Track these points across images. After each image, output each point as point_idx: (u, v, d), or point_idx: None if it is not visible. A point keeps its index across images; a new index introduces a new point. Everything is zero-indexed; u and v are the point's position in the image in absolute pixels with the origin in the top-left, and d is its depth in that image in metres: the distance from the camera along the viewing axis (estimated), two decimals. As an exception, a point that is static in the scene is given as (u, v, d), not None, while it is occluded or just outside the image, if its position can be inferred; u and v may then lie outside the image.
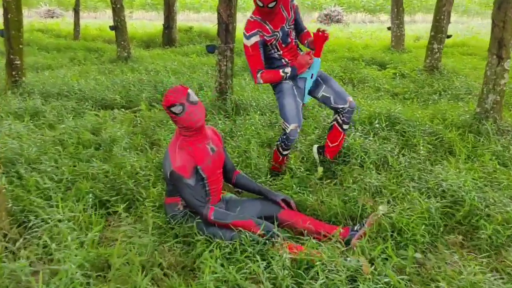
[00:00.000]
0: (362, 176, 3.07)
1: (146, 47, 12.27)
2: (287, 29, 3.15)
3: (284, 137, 3.13)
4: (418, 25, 20.56)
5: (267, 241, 2.24)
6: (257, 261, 2.07)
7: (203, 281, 1.96)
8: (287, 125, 3.08)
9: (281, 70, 3.08)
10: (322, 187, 3.04)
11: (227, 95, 4.90)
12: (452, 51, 10.04)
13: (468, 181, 2.85)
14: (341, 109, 3.20)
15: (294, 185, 2.96)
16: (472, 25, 16.50)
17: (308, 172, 3.21)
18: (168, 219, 2.49)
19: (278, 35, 3.11)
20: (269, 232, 2.28)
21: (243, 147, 3.56)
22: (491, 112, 4.23)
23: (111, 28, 8.85)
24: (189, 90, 2.37)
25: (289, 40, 3.19)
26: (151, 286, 1.99)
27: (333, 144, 3.34)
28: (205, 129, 2.50)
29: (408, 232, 2.41)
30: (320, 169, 3.18)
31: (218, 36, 4.89)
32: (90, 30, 14.52)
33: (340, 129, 3.28)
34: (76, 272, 1.89)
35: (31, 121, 4.30)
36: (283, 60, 3.20)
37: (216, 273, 2.00)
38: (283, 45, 3.16)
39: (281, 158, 3.28)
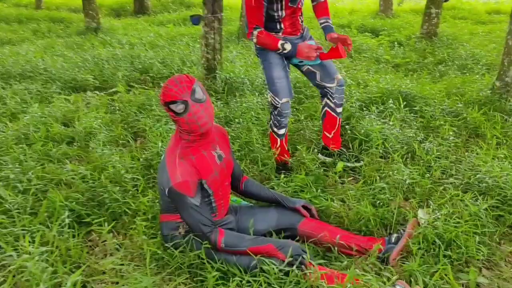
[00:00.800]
0: (387, 172, 2.62)
1: (117, 15, 11.37)
2: None
3: (276, 112, 2.75)
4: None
5: (296, 270, 1.78)
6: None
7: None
8: (277, 100, 2.70)
9: (280, 43, 2.58)
10: (344, 187, 2.58)
11: (216, 73, 4.32)
12: (444, 14, 9.57)
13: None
14: (328, 89, 2.81)
15: (311, 185, 2.48)
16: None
17: (325, 168, 2.74)
18: (164, 241, 1.99)
19: None
20: (298, 257, 1.81)
21: (244, 138, 3.05)
22: (514, 86, 3.82)
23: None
24: (196, 84, 1.81)
25: (297, 1, 2.66)
26: None
27: (333, 132, 2.94)
28: (212, 133, 1.96)
29: (461, 245, 1.98)
30: (341, 164, 2.71)
31: (204, 5, 4.26)
32: (54, -2, 13.36)
33: (334, 114, 2.89)
34: None
35: (-11, 110, 3.66)
36: (278, 25, 2.70)
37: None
38: (291, 5, 2.65)
39: (279, 141, 2.82)
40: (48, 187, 2.49)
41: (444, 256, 1.95)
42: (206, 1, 4.22)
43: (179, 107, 1.74)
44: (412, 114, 3.45)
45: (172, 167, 1.79)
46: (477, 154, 2.84)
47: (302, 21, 2.81)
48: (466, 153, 2.95)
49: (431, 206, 2.29)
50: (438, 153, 2.83)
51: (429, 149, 2.87)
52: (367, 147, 2.99)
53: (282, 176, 2.60)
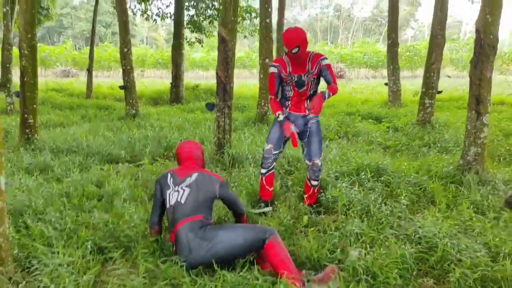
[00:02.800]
0: (344, 224, 3.27)
1: (155, 104, 12.86)
2: (304, 79, 3.63)
3: (262, 154, 3.80)
4: (419, 80, 21.16)
5: None
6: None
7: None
8: (266, 144, 3.77)
9: (277, 112, 3.67)
10: (306, 234, 3.24)
11: (224, 149, 5.21)
12: (448, 105, 10.41)
13: (443, 228, 3.04)
14: (307, 164, 3.76)
15: (281, 233, 3.15)
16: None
17: (295, 220, 3.42)
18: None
19: (293, 79, 3.64)
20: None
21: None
22: (474, 163, 4.45)
23: (121, 87, 9.40)
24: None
25: (305, 88, 3.67)
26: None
27: (307, 195, 3.84)
28: None
29: (381, 275, 2.58)
30: (305, 217, 3.39)
31: (217, 94, 5.28)
32: (102, 89, 15.28)
33: (309, 184, 3.79)
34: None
35: (41, 175, 4.61)
36: (287, 101, 3.75)
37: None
38: (296, 89, 3.68)
39: (260, 178, 3.79)
40: (79, 228, 3.28)
41: (366, 281, 2.54)
42: (218, 92, 5.24)
43: None
44: (379, 183, 4.12)
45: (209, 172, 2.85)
46: (425, 214, 3.45)
47: (307, 107, 3.73)
48: (418, 214, 3.56)
49: (368, 249, 2.90)
50: (391, 213, 3.47)
51: (383, 210, 3.51)
52: (334, 207, 3.66)
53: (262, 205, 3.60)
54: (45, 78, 25.48)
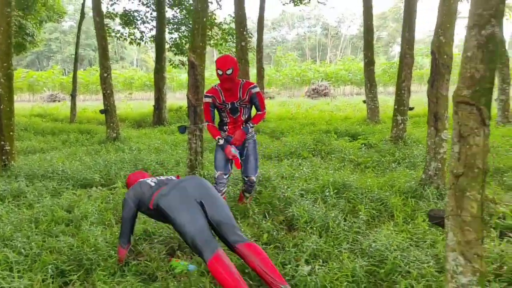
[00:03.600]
0: (302, 240, 3.38)
1: (138, 126, 12.97)
2: (236, 106, 3.95)
3: (215, 182, 4.05)
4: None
5: None
6: None
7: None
8: (215, 172, 4.05)
9: (217, 137, 3.96)
10: (266, 251, 3.33)
11: (196, 170, 5.32)
12: (424, 121, 10.61)
13: (395, 242, 3.17)
14: (244, 179, 4.17)
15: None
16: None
17: (255, 238, 3.52)
18: None
19: (227, 107, 3.94)
20: None
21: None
22: (435, 178, 4.61)
23: (101, 111, 9.52)
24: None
25: (238, 114, 3.99)
26: None
27: (240, 202, 4.34)
28: None
29: (330, 288, 2.68)
30: (265, 235, 3.50)
31: (188, 117, 5.42)
32: (87, 113, 15.39)
33: (243, 195, 4.32)
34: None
35: (13, 202, 4.67)
36: (225, 126, 4.07)
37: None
38: (231, 115, 4.00)
39: None
40: (43, 253, 3.35)
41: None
42: (189, 115, 5.38)
43: None
44: (342, 200, 4.25)
45: None
46: (383, 229, 3.57)
47: (245, 125, 4.01)
48: (376, 229, 3.68)
49: (321, 263, 3.01)
50: (349, 228, 3.58)
51: (342, 226, 3.62)
52: (296, 223, 3.77)
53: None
54: (33, 103, 25.50)
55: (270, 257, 3.12)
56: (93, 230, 3.72)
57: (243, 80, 3.99)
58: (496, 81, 10.15)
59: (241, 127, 3.98)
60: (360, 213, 3.85)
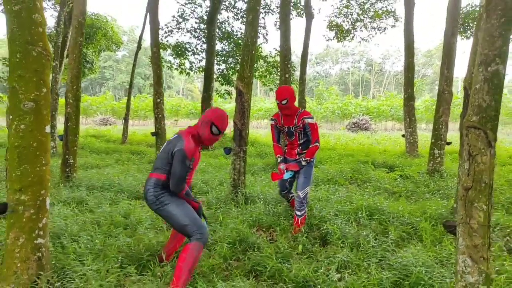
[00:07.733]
0: (334, 253, 3.70)
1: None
2: (292, 130, 4.51)
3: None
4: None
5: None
6: None
7: None
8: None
9: (277, 155, 4.64)
10: (300, 260, 3.69)
11: (238, 189, 5.76)
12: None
13: (421, 259, 3.43)
14: (294, 195, 4.64)
15: (275, 259, 3.62)
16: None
17: (291, 249, 3.88)
18: (151, 196, 3.20)
19: (285, 130, 4.54)
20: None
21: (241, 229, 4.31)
22: (466, 206, 4.80)
23: (153, 134, 10.21)
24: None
25: (293, 137, 4.54)
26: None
27: (294, 222, 4.51)
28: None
29: (358, 294, 2.99)
30: (300, 246, 3.85)
31: (234, 140, 5.91)
32: (137, 136, 16.31)
33: (294, 214, 4.54)
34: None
35: (76, 207, 5.27)
36: (285, 147, 4.66)
37: None
38: (288, 138, 4.58)
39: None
40: (106, 248, 3.85)
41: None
42: (234, 138, 5.87)
43: (215, 132, 3.27)
44: (374, 221, 4.54)
45: (187, 140, 3.15)
46: (409, 248, 3.84)
47: (298, 152, 4.52)
48: (404, 249, 3.95)
49: (350, 273, 3.32)
50: (376, 245, 3.88)
51: (372, 243, 3.92)
52: (329, 238, 4.10)
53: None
54: (86, 126, 27.16)
55: (303, 265, 3.48)
56: (148, 233, 4.21)
57: (301, 109, 4.50)
58: None
59: (296, 160, 4.52)
60: (390, 233, 4.13)
